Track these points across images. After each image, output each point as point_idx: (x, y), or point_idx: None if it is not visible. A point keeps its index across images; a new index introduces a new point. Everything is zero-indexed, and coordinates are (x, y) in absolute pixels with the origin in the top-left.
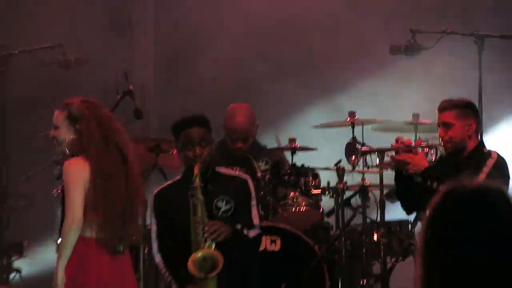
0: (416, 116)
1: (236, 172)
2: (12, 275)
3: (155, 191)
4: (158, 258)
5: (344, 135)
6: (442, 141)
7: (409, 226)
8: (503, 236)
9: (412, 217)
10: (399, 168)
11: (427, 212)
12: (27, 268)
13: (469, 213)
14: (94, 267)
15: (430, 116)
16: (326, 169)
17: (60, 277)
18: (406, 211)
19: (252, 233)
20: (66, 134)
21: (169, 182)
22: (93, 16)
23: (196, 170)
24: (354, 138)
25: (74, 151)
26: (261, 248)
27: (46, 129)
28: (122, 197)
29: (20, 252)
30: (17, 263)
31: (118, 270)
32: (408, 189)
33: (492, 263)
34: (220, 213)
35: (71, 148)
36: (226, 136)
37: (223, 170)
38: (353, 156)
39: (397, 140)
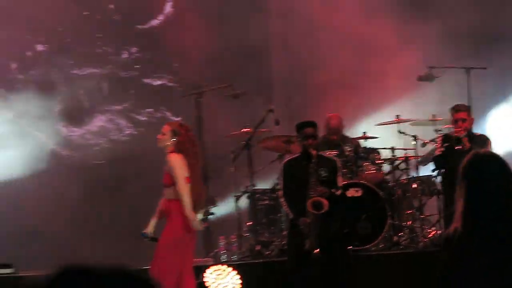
0: (434, 115)
1: (330, 155)
2: None
3: (285, 161)
4: (282, 200)
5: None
6: (459, 130)
7: (434, 178)
8: (504, 178)
9: (434, 173)
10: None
11: (462, 165)
12: None
13: (485, 165)
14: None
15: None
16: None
17: (191, 215)
18: (435, 169)
19: (338, 192)
20: (167, 139)
21: (292, 157)
22: None
23: (313, 153)
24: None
25: (175, 150)
26: (350, 195)
27: None
28: (200, 177)
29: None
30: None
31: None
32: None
33: (499, 191)
34: (322, 178)
35: (173, 148)
36: (326, 132)
37: (323, 153)
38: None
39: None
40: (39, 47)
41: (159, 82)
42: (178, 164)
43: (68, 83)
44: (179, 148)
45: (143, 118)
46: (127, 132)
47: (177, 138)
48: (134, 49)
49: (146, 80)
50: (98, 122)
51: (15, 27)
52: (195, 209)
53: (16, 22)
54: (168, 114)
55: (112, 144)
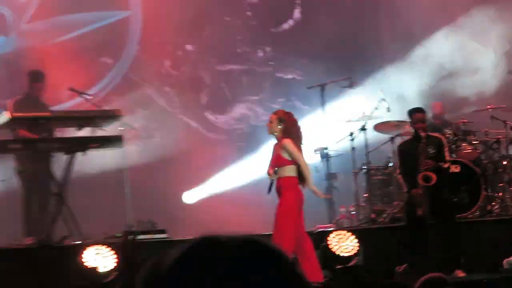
0: None
1: (436, 134)
2: None
3: (400, 143)
4: (399, 176)
5: None
6: None
7: None
8: None
9: None
10: None
11: None
12: None
13: None
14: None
15: None
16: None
17: (314, 187)
18: None
19: (446, 165)
20: (275, 126)
21: (405, 139)
22: None
23: (423, 134)
24: None
25: (284, 135)
26: (451, 171)
27: None
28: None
29: None
30: None
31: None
32: None
33: None
34: (430, 155)
35: (281, 134)
36: (431, 117)
37: (431, 134)
38: None
39: None
40: (188, 47)
41: (289, 76)
42: (292, 147)
43: (213, 78)
44: (287, 133)
45: (277, 106)
46: (263, 118)
47: (283, 124)
48: (268, 49)
49: (279, 74)
50: (239, 110)
51: (168, 31)
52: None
53: (169, 27)
54: (297, 103)
55: (251, 128)
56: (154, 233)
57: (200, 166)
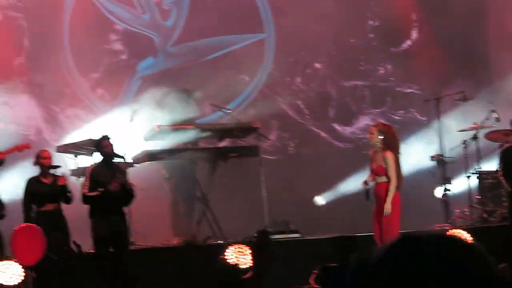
0: None
1: None
2: None
3: (503, 148)
4: (502, 178)
5: None
6: None
7: None
8: None
9: None
10: None
11: None
12: None
13: None
14: (398, 198)
15: None
16: None
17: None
18: None
19: None
20: (375, 138)
21: (508, 145)
22: None
23: None
24: None
25: (385, 147)
26: None
27: None
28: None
29: None
30: None
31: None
32: None
33: None
34: None
35: (383, 145)
36: None
37: None
38: None
39: None
40: (317, 65)
41: (408, 90)
42: (391, 161)
43: (339, 92)
44: (387, 145)
45: (397, 118)
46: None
47: (383, 136)
48: (389, 66)
49: (398, 89)
50: (363, 121)
51: (299, 51)
52: (399, 189)
53: (300, 48)
54: (416, 114)
55: None
56: (288, 233)
57: (330, 172)
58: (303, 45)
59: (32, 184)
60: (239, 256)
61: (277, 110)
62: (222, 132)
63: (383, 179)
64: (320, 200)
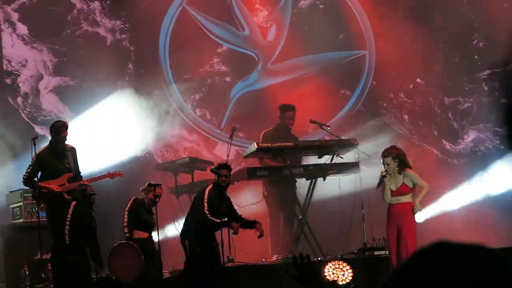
0: None
1: None
2: None
3: None
4: None
5: None
6: None
7: None
8: None
9: None
10: None
11: None
12: None
13: None
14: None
15: None
16: None
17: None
18: None
19: None
20: (393, 164)
21: None
22: None
23: None
24: None
25: (404, 167)
26: None
27: None
28: None
29: None
30: None
31: None
32: None
33: None
34: None
35: (400, 167)
36: None
37: None
38: None
39: None
40: (418, 80)
41: None
42: (416, 175)
43: (442, 108)
44: (404, 164)
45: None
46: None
47: (398, 159)
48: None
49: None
50: (471, 136)
51: (400, 67)
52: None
53: (401, 64)
54: None
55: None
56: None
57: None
58: (404, 62)
59: (138, 207)
60: (338, 272)
61: (377, 125)
62: (321, 149)
63: (407, 198)
64: (419, 216)
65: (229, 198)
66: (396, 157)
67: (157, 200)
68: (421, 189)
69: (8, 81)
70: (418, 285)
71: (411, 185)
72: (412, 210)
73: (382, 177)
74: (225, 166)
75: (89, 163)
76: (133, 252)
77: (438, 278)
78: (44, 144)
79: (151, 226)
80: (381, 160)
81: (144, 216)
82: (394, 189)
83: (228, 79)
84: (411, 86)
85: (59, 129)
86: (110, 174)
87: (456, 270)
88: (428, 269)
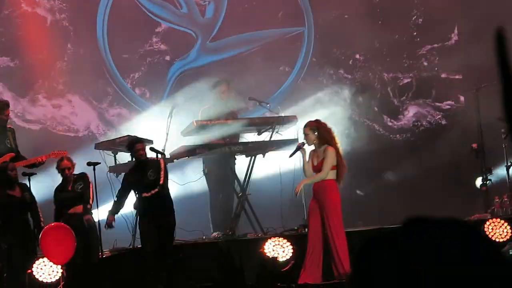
0: None
1: None
2: None
3: None
4: None
5: None
6: None
7: None
8: None
9: None
10: None
11: None
12: None
13: None
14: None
15: None
16: None
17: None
18: None
19: None
20: (312, 136)
21: None
22: None
23: None
24: None
25: (324, 143)
26: None
27: None
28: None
29: None
30: None
31: None
32: None
33: None
34: None
35: (321, 141)
36: None
37: None
38: None
39: None
40: (357, 56)
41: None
42: (331, 156)
43: (380, 84)
44: (325, 140)
45: (447, 107)
46: (437, 117)
47: (317, 133)
48: (432, 58)
49: (444, 76)
50: (411, 112)
51: (339, 43)
52: (340, 182)
53: (340, 40)
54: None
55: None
56: None
57: (378, 166)
58: (343, 37)
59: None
60: (278, 249)
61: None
62: (261, 126)
63: (329, 175)
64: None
65: (159, 167)
66: (315, 130)
67: (66, 173)
68: (340, 171)
69: None
70: (394, 261)
71: (334, 162)
72: (332, 186)
73: (297, 148)
74: (138, 140)
75: (32, 142)
76: (64, 234)
77: (414, 253)
78: None
79: (68, 201)
80: None
81: (63, 193)
82: (315, 164)
83: (167, 57)
84: (350, 62)
85: (2, 108)
86: (55, 154)
87: (432, 244)
88: (404, 244)
